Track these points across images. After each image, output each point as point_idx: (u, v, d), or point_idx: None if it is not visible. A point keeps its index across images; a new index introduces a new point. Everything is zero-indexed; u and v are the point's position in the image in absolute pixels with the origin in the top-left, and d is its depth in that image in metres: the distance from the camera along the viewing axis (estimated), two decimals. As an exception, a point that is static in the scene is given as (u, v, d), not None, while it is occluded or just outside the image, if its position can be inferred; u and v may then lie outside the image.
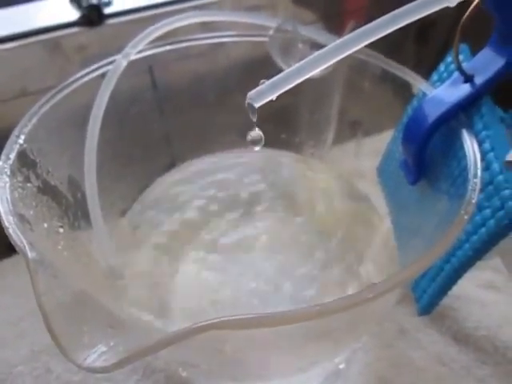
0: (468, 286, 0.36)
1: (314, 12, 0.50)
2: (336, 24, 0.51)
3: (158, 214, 0.34)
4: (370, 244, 0.33)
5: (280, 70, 0.35)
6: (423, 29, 0.58)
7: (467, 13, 0.19)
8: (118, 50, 0.30)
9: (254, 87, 0.19)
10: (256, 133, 0.20)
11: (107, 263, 0.28)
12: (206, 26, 0.38)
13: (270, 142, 0.38)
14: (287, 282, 0.30)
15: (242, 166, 0.38)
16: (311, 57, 0.18)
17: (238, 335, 0.15)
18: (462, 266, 0.22)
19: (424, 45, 0.56)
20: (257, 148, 0.19)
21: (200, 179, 0.37)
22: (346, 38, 0.18)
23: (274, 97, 0.18)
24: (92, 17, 0.40)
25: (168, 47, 0.35)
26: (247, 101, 0.18)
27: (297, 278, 0.30)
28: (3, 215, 0.17)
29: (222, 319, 0.14)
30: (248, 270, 0.30)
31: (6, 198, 0.19)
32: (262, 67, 0.36)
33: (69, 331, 0.15)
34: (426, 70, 0.30)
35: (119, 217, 0.34)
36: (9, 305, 0.35)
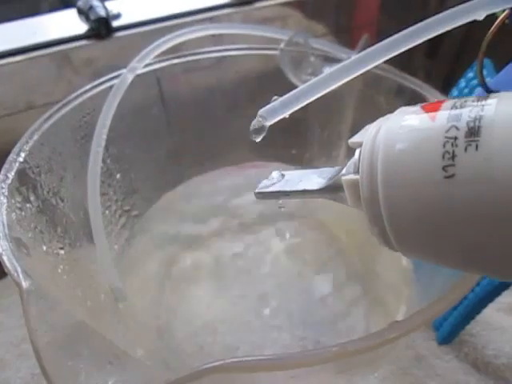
0: (488, 310, 0.34)
1: (325, 25, 0.49)
2: (346, 37, 0.50)
3: (163, 230, 0.33)
4: (381, 261, 0.32)
5: (290, 84, 0.35)
6: (433, 41, 0.57)
7: (493, 28, 0.18)
8: (127, 62, 0.30)
9: (264, 101, 0.18)
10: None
11: (110, 284, 0.27)
12: (215, 39, 0.38)
13: (280, 157, 0.37)
14: (296, 301, 0.29)
15: (249, 180, 0.37)
16: (326, 73, 0.17)
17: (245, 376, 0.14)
18: (487, 296, 0.21)
19: (434, 57, 0.55)
20: (258, 139, 0.17)
21: (208, 195, 0.36)
22: (363, 53, 0.17)
23: (286, 115, 0.17)
24: (100, 30, 0.39)
25: (177, 60, 0.34)
26: (258, 118, 0.17)
27: (306, 298, 0.29)
28: (-3, 241, 0.16)
29: (231, 361, 0.13)
30: (255, 291, 0.29)
31: (2, 222, 0.17)
32: (271, 80, 0.35)
33: (64, 369, 0.14)
34: (436, 82, 0.29)
35: (123, 234, 0.33)
36: (11, 325, 0.34)
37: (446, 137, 0.12)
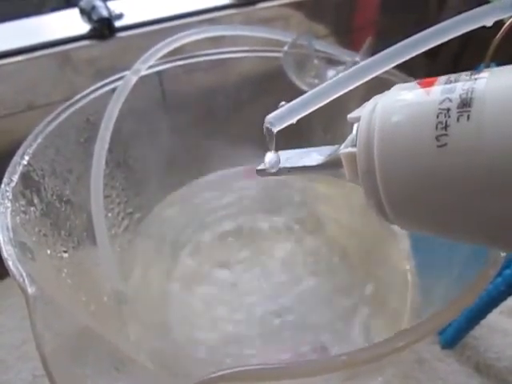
0: (491, 313, 0.34)
1: (326, 26, 0.49)
2: (348, 38, 0.50)
3: (166, 233, 0.33)
4: (384, 264, 0.32)
5: (292, 86, 0.35)
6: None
7: (500, 33, 0.18)
8: (129, 63, 0.30)
9: (266, 103, 0.18)
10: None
11: (112, 287, 0.27)
12: (217, 40, 0.38)
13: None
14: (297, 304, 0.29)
15: (252, 184, 0.37)
16: (334, 80, 0.17)
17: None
18: (492, 301, 0.21)
19: (434, 57, 0.55)
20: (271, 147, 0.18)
21: (210, 198, 0.36)
22: (371, 60, 0.17)
23: (294, 121, 0.17)
24: (103, 30, 0.39)
25: (179, 62, 0.34)
26: (265, 125, 0.17)
27: (308, 302, 0.29)
28: (2, 246, 0.16)
29: (239, 369, 0.13)
30: (258, 294, 0.29)
31: (7, 226, 0.17)
32: (273, 82, 0.35)
33: (70, 376, 0.14)
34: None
35: (126, 236, 0.33)
36: (12, 326, 0.34)
37: (439, 108, 0.12)
